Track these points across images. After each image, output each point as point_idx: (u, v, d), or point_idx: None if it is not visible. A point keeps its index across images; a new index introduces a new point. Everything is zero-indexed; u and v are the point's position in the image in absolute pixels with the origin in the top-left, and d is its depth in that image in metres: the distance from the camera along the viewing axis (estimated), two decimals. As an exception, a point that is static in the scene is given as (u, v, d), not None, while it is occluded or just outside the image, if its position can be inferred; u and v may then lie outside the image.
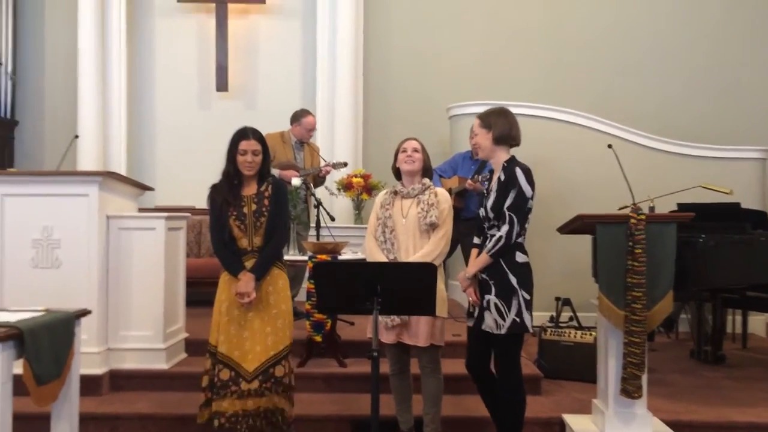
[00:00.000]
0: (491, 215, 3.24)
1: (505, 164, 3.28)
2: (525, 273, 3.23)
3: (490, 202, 3.25)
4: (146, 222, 4.40)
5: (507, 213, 3.17)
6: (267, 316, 3.38)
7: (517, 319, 3.17)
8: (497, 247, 3.18)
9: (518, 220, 3.17)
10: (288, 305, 3.47)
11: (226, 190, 3.41)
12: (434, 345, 3.47)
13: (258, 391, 3.30)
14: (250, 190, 3.45)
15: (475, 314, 3.32)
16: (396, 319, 3.42)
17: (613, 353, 3.50)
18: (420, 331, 3.42)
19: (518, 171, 3.20)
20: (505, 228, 3.17)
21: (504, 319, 3.17)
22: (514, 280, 3.20)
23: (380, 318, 3.40)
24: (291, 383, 3.43)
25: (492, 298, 3.20)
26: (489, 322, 3.22)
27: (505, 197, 3.19)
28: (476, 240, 3.44)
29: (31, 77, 7.63)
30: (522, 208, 3.18)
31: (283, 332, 3.40)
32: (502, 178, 3.24)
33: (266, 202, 3.41)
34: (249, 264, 3.39)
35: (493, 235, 3.23)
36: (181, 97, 7.61)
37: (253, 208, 3.39)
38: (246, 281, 3.33)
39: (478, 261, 3.26)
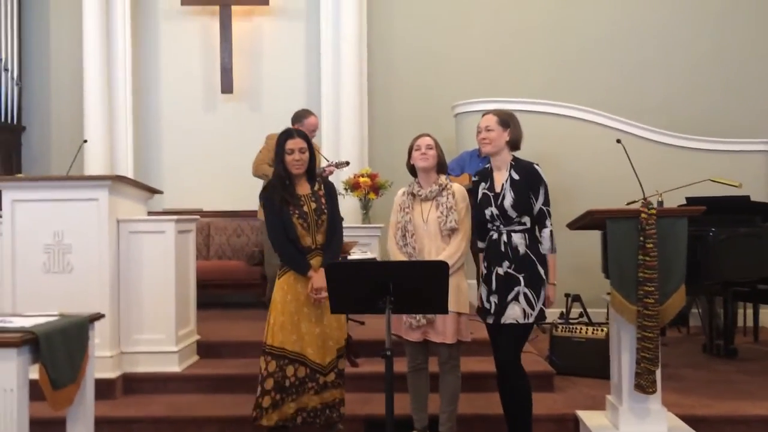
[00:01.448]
0: (513, 214, 3.31)
1: (513, 163, 3.39)
2: (546, 265, 3.37)
3: (508, 201, 3.31)
4: (156, 225, 4.41)
5: (546, 209, 3.36)
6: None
7: (543, 308, 3.33)
8: (553, 242, 3.37)
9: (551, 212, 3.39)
10: None
11: (282, 190, 3.47)
12: (460, 341, 3.52)
13: (334, 384, 3.46)
14: (303, 189, 3.52)
15: (492, 310, 3.35)
16: (422, 320, 3.45)
17: (626, 348, 3.49)
18: (447, 328, 3.46)
19: (539, 169, 3.37)
20: (549, 222, 3.36)
21: (533, 309, 3.30)
22: (541, 271, 3.34)
23: (405, 318, 3.45)
24: (344, 373, 3.57)
25: (522, 288, 3.29)
26: (514, 313, 3.29)
27: (531, 195, 3.33)
28: (481, 244, 3.52)
29: (36, 82, 7.65)
30: (550, 201, 3.38)
31: (344, 327, 3.56)
32: (516, 177, 3.35)
33: (323, 200, 3.50)
34: (314, 261, 3.45)
35: (515, 231, 3.33)
36: (187, 100, 7.61)
37: (313, 206, 3.47)
38: (322, 277, 3.36)
39: (552, 264, 3.38)
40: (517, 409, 3.38)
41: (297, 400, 3.40)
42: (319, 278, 3.39)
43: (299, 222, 3.44)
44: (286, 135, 3.50)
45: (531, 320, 3.30)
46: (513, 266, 3.31)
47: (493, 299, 3.36)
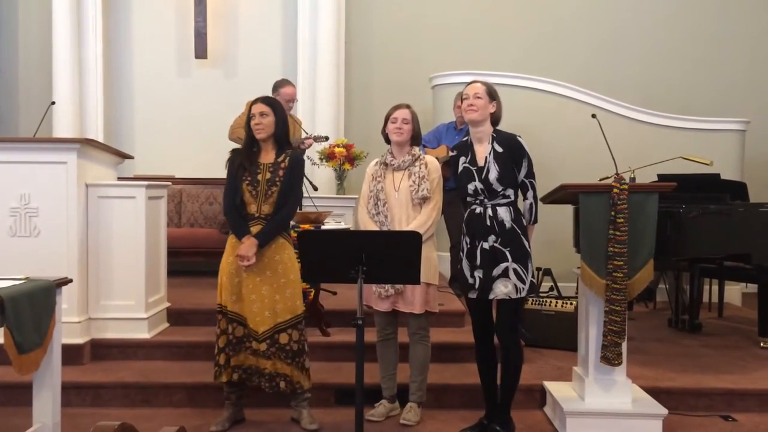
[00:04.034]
0: (499, 188, 3.29)
1: (494, 135, 3.35)
2: (529, 237, 3.37)
3: (493, 175, 3.28)
4: (126, 190, 4.33)
5: (528, 182, 3.33)
6: (276, 284, 3.44)
7: (534, 281, 3.36)
8: (534, 213, 3.35)
9: (536, 184, 3.36)
10: (296, 275, 3.50)
11: (244, 155, 3.50)
12: (429, 311, 3.55)
13: (265, 354, 3.44)
14: (267, 158, 3.50)
15: (476, 285, 3.33)
16: (390, 290, 3.46)
17: (594, 321, 3.54)
18: (416, 298, 3.49)
19: (522, 141, 3.34)
20: (530, 194, 3.34)
21: (524, 283, 3.30)
22: (526, 244, 3.34)
23: (374, 288, 3.46)
24: (299, 351, 3.47)
25: (509, 264, 3.27)
26: (505, 289, 3.27)
27: (515, 168, 3.30)
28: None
29: (4, 43, 7.42)
30: (534, 173, 3.35)
31: (292, 301, 3.47)
32: (499, 149, 3.31)
33: (281, 173, 3.45)
34: (255, 230, 3.43)
35: (500, 205, 3.30)
36: (159, 64, 7.45)
37: (267, 176, 3.44)
38: (248, 245, 3.37)
39: (529, 234, 3.37)
40: (508, 381, 3.41)
41: (235, 356, 3.47)
42: (245, 246, 3.38)
43: (248, 189, 3.43)
44: (252, 102, 3.56)
45: (523, 294, 3.30)
46: (499, 240, 3.28)
47: (478, 274, 3.31)
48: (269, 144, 3.51)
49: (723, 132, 6.50)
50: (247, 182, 3.44)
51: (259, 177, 3.45)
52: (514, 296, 3.28)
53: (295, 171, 3.51)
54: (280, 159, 3.49)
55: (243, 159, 3.49)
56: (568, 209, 5.06)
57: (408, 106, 3.60)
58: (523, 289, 3.29)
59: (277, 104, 3.55)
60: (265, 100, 3.53)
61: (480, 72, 5.98)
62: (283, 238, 3.50)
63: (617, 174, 3.78)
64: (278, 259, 3.46)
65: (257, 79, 6.53)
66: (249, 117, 3.50)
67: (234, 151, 3.57)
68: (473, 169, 3.34)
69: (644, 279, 3.44)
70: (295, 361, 3.46)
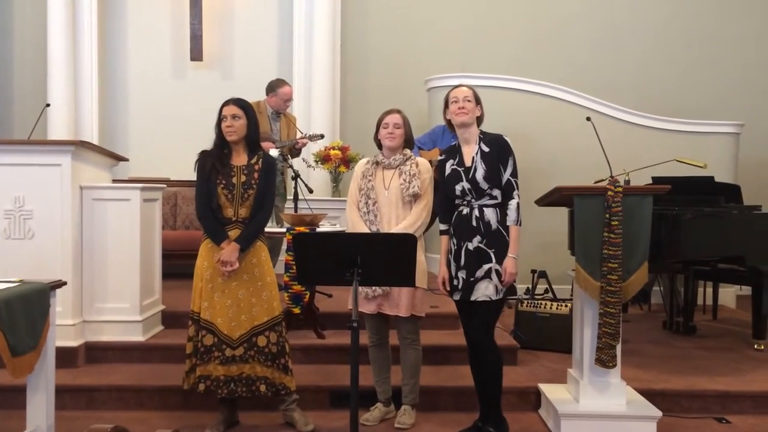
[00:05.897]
0: (485, 186, 3.30)
1: (482, 135, 3.39)
2: (515, 239, 3.34)
3: (480, 173, 3.29)
4: (121, 193, 4.33)
5: (513, 180, 3.32)
6: (252, 287, 3.41)
7: (513, 283, 3.33)
8: (520, 214, 3.31)
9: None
10: (272, 277, 3.49)
11: (216, 157, 3.43)
12: (415, 315, 3.52)
13: (242, 358, 3.38)
14: (239, 160, 3.46)
15: (460, 286, 3.34)
16: (377, 290, 3.45)
17: (589, 324, 3.55)
18: (402, 301, 3.47)
19: (508, 140, 3.36)
20: (516, 193, 3.32)
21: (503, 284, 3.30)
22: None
23: (361, 288, 3.44)
24: (279, 352, 3.43)
25: (493, 265, 3.27)
26: (486, 291, 3.27)
27: (501, 167, 3.31)
28: (444, 226, 3.46)
29: (-2, 44, 7.42)
30: (517, 174, 3.35)
31: (269, 304, 3.43)
32: (486, 149, 3.34)
33: (256, 175, 3.42)
34: (232, 234, 3.40)
35: (486, 206, 3.30)
36: (155, 66, 7.45)
37: (242, 179, 3.40)
38: (230, 251, 3.34)
39: (515, 236, 3.28)
40: (489, 382, 3.40)
41: (201, 366, 3.39)
42: (227, 252, 3.34)
43: (224, 192, 3.38)
44: (223, 103, 3.49)
45: (501, 296, 3.29)
46: (485, 241, 3.28)
47: (461, 275, 3.33)
48: (240, 146, 3.46)
49: (717, 135, 6.51)
50: (222, 185, 3.38)
51: (234, 180, 3.40)
52: (494, 298, 3.27)
53: (270, 172, 3.47)
54: (253, 161, 3.45)
55: (215, 161, 3.42)
56: (562, 211, 5.08)
57: (399, 111, 3.60)
58: (502, 291, 3.28)
59: (249, 107, 3.49)
60: (237, 102, 3.46)
61: (476, 75, 6.01)
62: (260, 240, 3.48)
63: (612, 176, 3.80)
64: (255, 262, 3.44)
65: (253, 81, 6.51)
66: (220, 119, 3.44)
67: (203, 153, 3.49)
68: (461, 170, 3.35)
69: (639, 281, 3.45)
70: (275, 363, 3.42)
